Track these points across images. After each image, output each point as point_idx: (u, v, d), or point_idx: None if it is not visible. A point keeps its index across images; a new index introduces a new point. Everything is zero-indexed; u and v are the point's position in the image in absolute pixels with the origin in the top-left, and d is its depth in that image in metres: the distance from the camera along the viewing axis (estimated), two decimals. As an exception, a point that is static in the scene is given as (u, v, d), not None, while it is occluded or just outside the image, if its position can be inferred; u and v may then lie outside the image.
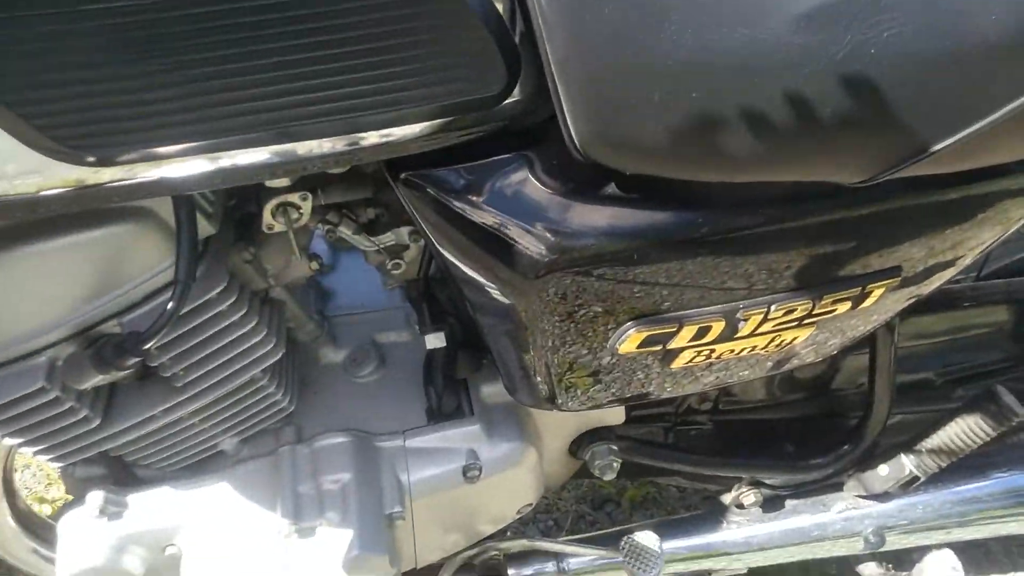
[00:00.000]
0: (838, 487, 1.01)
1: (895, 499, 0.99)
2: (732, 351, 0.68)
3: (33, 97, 0.42)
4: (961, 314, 1.01)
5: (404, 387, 0.81)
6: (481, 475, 0.75)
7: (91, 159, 0.45)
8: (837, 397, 1.01)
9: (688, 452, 0.95)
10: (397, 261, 0.74)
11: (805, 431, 1.01)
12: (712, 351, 0.67)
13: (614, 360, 0.66)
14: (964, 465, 0.95)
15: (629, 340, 0.63)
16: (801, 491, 1.01)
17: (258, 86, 0.46)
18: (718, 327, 0.64)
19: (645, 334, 0.63)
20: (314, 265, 0.71)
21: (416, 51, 0.48)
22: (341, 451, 0.72)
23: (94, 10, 0.40)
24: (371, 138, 0.52)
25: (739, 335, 0.65)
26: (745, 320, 0.64)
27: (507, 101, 0.53)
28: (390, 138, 0.52)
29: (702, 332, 0.64)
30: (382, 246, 0.72)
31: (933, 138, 0.52)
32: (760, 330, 0.65)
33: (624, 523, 1.43)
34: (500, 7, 0.50)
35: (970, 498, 1.01)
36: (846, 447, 0.93)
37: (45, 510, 1.43)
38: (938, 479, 0.97)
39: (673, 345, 0.65)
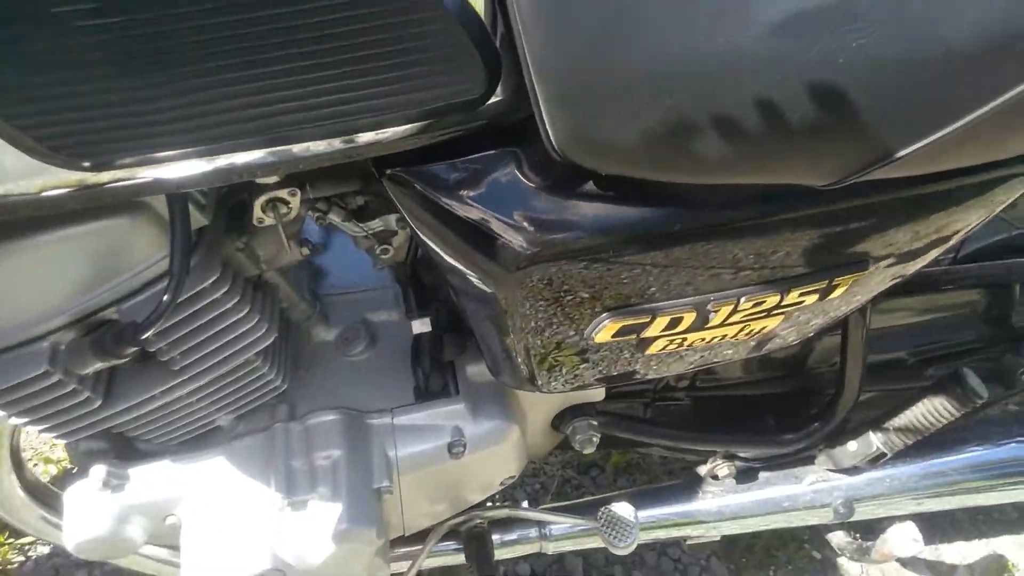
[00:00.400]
0: (810, 460, 1.06)
1: (864, 472, 1.04)
2: (703, 340, 0.71)
3: (26, 108, 0.44)
4: (935, 296, 1.04)
5: (393, 365, 0.84)
6: (465, 451, 0.79)
7: (86, 164, 0.47)
8: (811, 375, 1.04)
9: (665, 427, 0.99)
10: (385, 246, 0.76)
11: (779, 407, 1.05)
12: (684, 339, 0.70)
13: (591, 347, 0.69)
14: (930, 440, 0.99)
15: (605, 329, 0.66)
16: (774, 463, 1.06)
17: (249, 93, 0.48)
18: (689, 318, 0.67)
19: (620, 324, 0.66)
20: (305, 251, 0.73)
21: (399, 58, 0.49)
22: (332, 428, 0.76)
23: (87, 25, 0.42)
24: (357, 139, 0.54)
25: (710, 325, 0.68)
26: (715, 312, 0.67)
27: (490, 101, 0.55)
28: (375, 139, 0.54)
29: (674, 323, 0.67)
30: (371, 232, 0.75)
31: (899, 144, 0.54)
32: (730, 320, 0.68)
33: (608, 487, 1.49)
34: (480, 11, 0.51)
35: (936, 472, 1.05)
36: (816, 424, 0.97)
37: (51, 470, 1.48)
38: (905, 454, 1.02)
39: (647, 334, 0.68)
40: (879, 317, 1.01)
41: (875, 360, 1.06)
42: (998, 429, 1.10)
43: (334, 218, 0.71)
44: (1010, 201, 0.69)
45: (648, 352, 0.71)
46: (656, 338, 0.69)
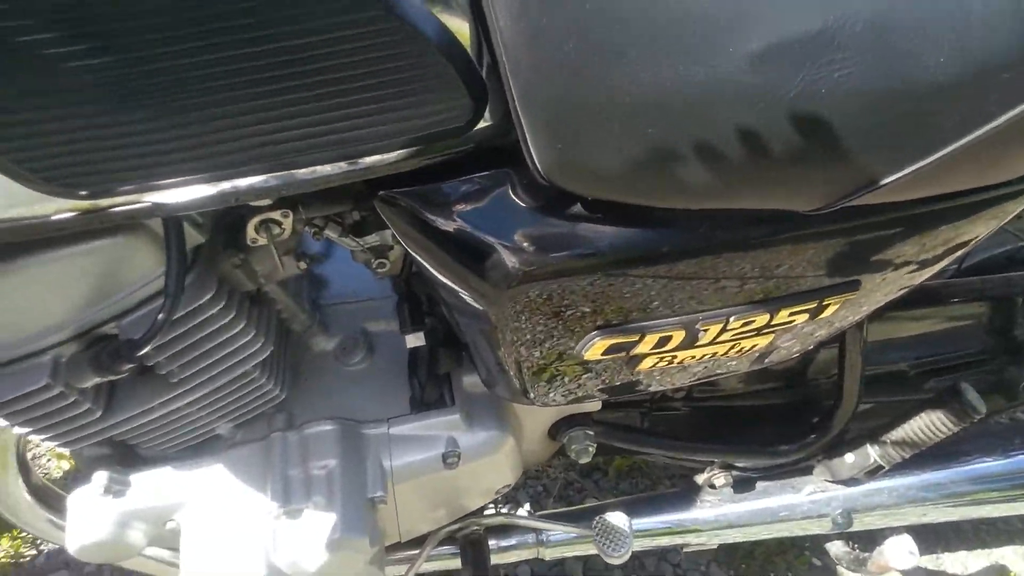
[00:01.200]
0: (808, 470, 1.06)
1: (862, 483, 1.04)
2: (693, 357, 0.71)
3: (21, 142, 0.45)
4: (937, 309, 1.04)
5: (391, 375, 0.85)
6: (460, 462, 0.80)
7: (83, 193, 0.49)
8: (809, 387, 1.05)
9: (662, 437, 0.99)
10: (382, 260, 0.78)
11: (777, 418, 1.05)
12: (675, 357, 0.70)
13: (582, 363, 0.70)
14: (930, 452, 0.99)
15: (595, 347, 0.67)
16: (772, 473, 1.06)
17: (243, 124, 0.49)
18: (679, 336, 0.67)
19: (610, 342, 0.67)
20: (303, 264, 0.74)
21: (388, 89, 0.50)
22: (328, 438, 0.77)
23: (79, 65, 0.43)
24: (348, 164, 0.55)
25: (700, 343, 0.69)
26: (704, 330, 0.67)
27: (479, 126, 0.56)
28: (366, 164, 0.55)
29: (663, 341, 0.67)
30: (367, 246, 0.76)
31: (883, 172, 0.55)
32: (720, 339, 0.69)
33: (610, 491, 1.50)
34: (466, 42, 0.52)
35: (935, 483, 1.05)
36: (813, 436, 0.97)
37: (64, 465, 1.52)
38: (904, 465, 1.02)
39: (636, 352, 0.68)
40: (880, 329, 1.01)
41: (876, 372, 1.07)
42: (999, 441, 1.10)
43: (330, 233, 0.72)
44: (1003, 222, 0.69)
45: (639, 368, 0.72)
46: (646, 355, 0.69)
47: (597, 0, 0.48)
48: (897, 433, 0.95)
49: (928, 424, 0.92)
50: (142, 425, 0.72)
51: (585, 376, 0.73)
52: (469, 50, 0.52)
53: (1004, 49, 0.49)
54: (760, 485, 1.06)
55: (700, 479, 1.05)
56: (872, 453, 0.97)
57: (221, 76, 0.46)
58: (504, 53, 0.50)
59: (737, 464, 1.02)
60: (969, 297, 1.02)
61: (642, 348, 0.68)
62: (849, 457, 0.99)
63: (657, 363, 0.71)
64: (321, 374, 0.85)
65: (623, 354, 0.69)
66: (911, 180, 0.55)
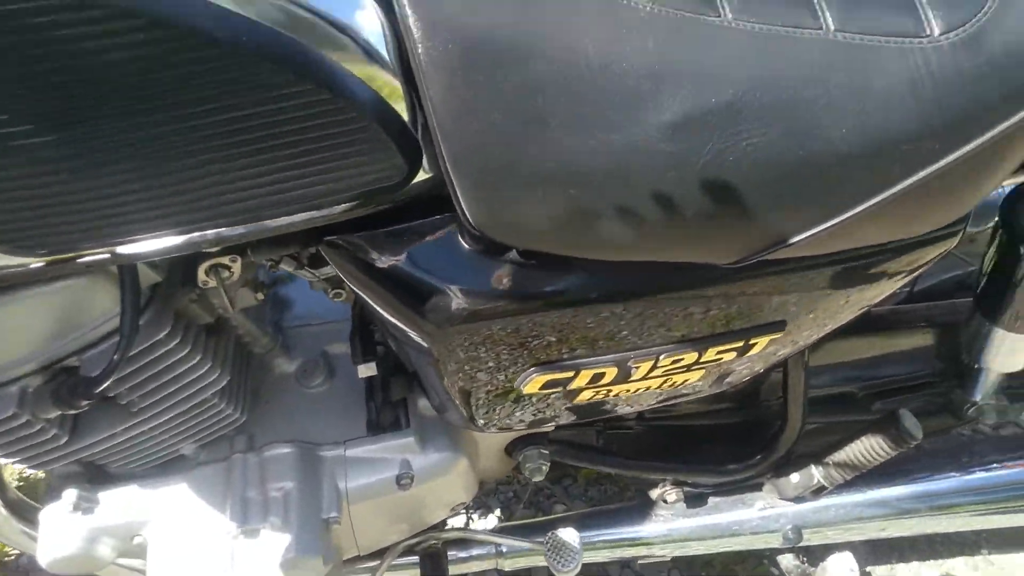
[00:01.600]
0: (759, 487, 1.10)
1: (811, 501, 1.08)
2: (628, 391, 0.75)
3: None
4: (885, 336, 1.07)
5: (350, 398, 0.89)
6: (413, 483, 0.84)
7: (43, 252, 0.53)
8: (760, 407, 1.08)
9: (615, 455, 1.03)
10: (338, 291, 0.81)
11: (728, 437, 1.09)
12: (610, 391, 0.74)
13: (523, 396, 0.74)
14: (876, 470, 1.03)
15: (532, 382, 0.71)
16: (723, 489, 1.10)
17: (193, 189, 0.53)
18: (612, 373, 0.71)
19: (546, 378, 0.70)
20: (260, 295, 0.78)
21: (328, 152, 0.54)
22: (286, 461, 0.81)
23: (32, 139, 0.46)
24: (292, 218, 0.58)
25: (632, 379, 0.72)
26: (636, 367, 0.71)
27: (417, 179, 0.59)
28: (309, 217, 0.59)
29: (597, 377, 0.71)
30: (323, 276, 0.80)
31: (791, 231, 0.59)
32: (652, 375, 0.73)
33: (579, 497, 1.55)
34: (402, 106, 0.55)
35: (879, 501, 1.09)
36: (759, 456, 1.01)
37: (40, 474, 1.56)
38: (852, 482, 1.06)
39: (572, 387, 0.72)
40: (828, 353, 1.04)
41: (824, 393, 1.10)
42: (945, 460, 1.14)
43: (286, 267, 0.75)
44: (922, 270, 0.72)
45: (577, 401, 0.76)
46: (582, 390, 0.73)
47: (521, 74, 0.52)
48: (839, 455, 0.99)
49: (868, 448, 0.96)
50: (107, 449, 0.76)
51: (528, 407, 0.77)
52: (404, 114, 0.55)
53: (901, 123, 0.53)
54: (712, 500, 1.10)
55: (654, 494, 1.09)
56: (816, 474, 1.01)
57: (175, 145, 0.50)
58: (435, 122, 0.53)
59: (688, 481, 1.06)
60: (916, 324, 1.06)
61: (578, 383, 0.72)
62: (795, 477, 1.03)
63: (594, 396, 0.75)
64: (282, 396, 0.89)
65: (560, 388, 0.72)
66: (824, 237, 0.59)
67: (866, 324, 1.06)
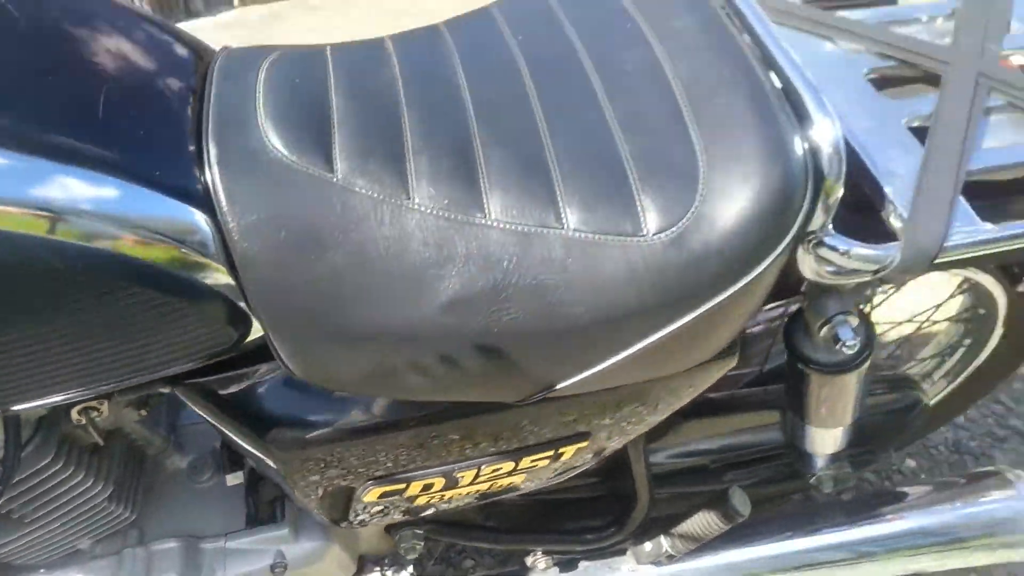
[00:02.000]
0: (624, 551, 1.22)
1: (666, 565, 1.20)
2: (461, 494, 0.87)
3: None
4: (730, 416, 1.20)
5: (236, 493, 1.00)
6: (287, 571, 0.95)
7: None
8: (620, 480, 1.20)
9: (487, 529, 1.15)
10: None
11: (595, 508, 1.21)
12: (443, 495, 0.86)
13: (366, 504, 0.86)
14: (731, 533, 1.15)
15: (371, 493, 0.82)
16: (592, 554, 1.22)
17: (64, 367, 0.64)
18: (440, 482, 0.83)
19: (382, 489, 0.82)
20: (143, 412, 0.89)
21: (168, 331, 0.65)
22: (170, 555, 0.92)
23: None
24: (143, 379, 0.70)
25: (461, 485, 0.84)
26: (462, 476, 0.83)
27: (251, 338, 0.71)
28: (160, 375, 0.70)
29: (428, 486, 0.83)
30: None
31: (557, 379, 0.71)
32: (477, 481, 0.85)
33: (488, 552, 1.65)
34: (230, 288, 0.67)
35: (730, 565, 1.21)
36: (613, 529, 1.13)
37: None
38: (711, 546, 1.18)
39: (408, 494, 0.84)
40: (676, 433, 1.17)
41: (679, 466, 1.23)
42: (798, 521, 1.27)
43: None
44: (707, 386, 0.85)
45: (417, 504, 0.87)
46: (417, 496, 0.85)
47: (322, 265, 0.64)
48: (682, 528, 1.11)
49: (704, 522, 1.08)
50: (5, 552, 0.86)
51: (375, 509, 0.88)
52: (231, 295, 0.67)
53: (626, 303, 0.66)
54: (582, 565, 1.21)
55: (528, 561, 1.20)
56: (664, 543, 1.13)
57: (48, 337, 0.61)
58: (254, 302, 0.65)
59: (555, 550, 1.18)
60: (754, 408, 1.19)
61: (411, 491, 0.83)
62: (647, 546, 1.15)
63: (430, 500, 0.87)
64: (173, 491, 0.99)
65: (397, 496, 0.84)
66: (591, 380, 0.72)
67: (710, 407, 1.19)
